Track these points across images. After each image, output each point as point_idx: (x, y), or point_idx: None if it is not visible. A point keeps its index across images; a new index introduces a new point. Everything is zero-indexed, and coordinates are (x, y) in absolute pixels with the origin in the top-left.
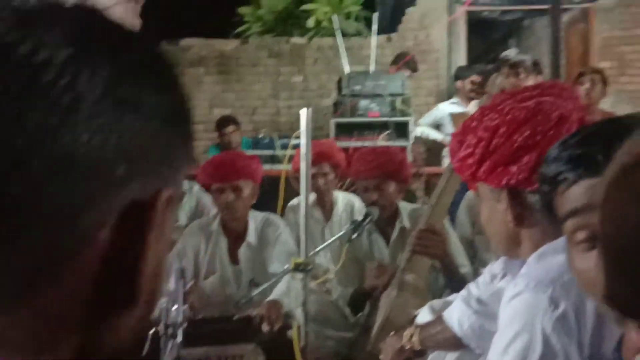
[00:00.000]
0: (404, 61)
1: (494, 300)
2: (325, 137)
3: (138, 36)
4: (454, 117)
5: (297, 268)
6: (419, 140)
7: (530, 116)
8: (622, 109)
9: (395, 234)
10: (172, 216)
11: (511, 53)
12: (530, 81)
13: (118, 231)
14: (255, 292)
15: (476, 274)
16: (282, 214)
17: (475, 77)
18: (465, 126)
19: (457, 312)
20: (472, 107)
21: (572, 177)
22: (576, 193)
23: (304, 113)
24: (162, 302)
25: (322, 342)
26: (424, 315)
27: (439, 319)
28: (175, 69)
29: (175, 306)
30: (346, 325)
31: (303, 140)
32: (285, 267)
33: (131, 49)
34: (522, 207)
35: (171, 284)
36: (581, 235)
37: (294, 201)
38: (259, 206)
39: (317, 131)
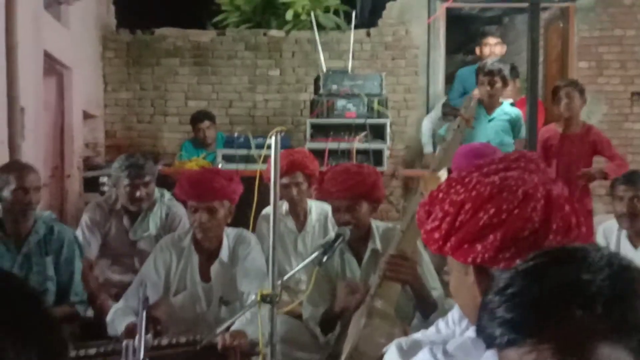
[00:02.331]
0: None
1: (461, 352)
2: (302, 135)
3: None
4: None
5: (264, 299)
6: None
7: (496, 193)
8: (599, 110)
9: (367, 255)
10: None
11: (489, 62)
12: (511, 86)
13: None
14: (222, 327)
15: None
16: (256, 215)
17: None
18: (432, 197)
19: None
20: (443, 130)
21: (503, 342)
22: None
23: (273, 139)
24: (125, 341)
25: None
26: (391, 357)
27: None
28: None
29: (137, 340)
30: (315, 346)
31: (272, 170)
32: (252, 298)
33: None
34: (489, 283)
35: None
36: None
37: (267, 209)
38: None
39: (294, 128)
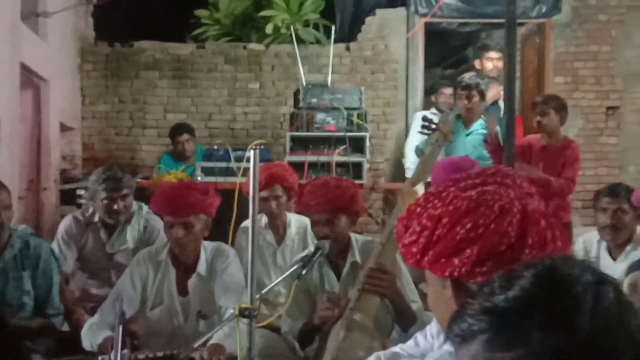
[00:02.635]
0: None
1: None
2: (282, 148)
3: None
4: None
5: (243, 313)
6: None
7: (472, 207)
8: (575, 125)
9: (346, 268)
10: None
11: (467, 76)
12: (492, 91)
13: None
14: (200, 341)
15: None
16: (235, 228)
17: (446, 89)
18: (410, 211)
19: None
20: (421, 144)
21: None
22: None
23: (252, 152)
24: (101, 357)
25: None
26: None
27: None
28: None
29: (113, 355)
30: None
31: (251, 183)
32: (230, 312)
33: None
34: (466, 298)
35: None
36: None
37: (246, 222)
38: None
39: (273, 141)
